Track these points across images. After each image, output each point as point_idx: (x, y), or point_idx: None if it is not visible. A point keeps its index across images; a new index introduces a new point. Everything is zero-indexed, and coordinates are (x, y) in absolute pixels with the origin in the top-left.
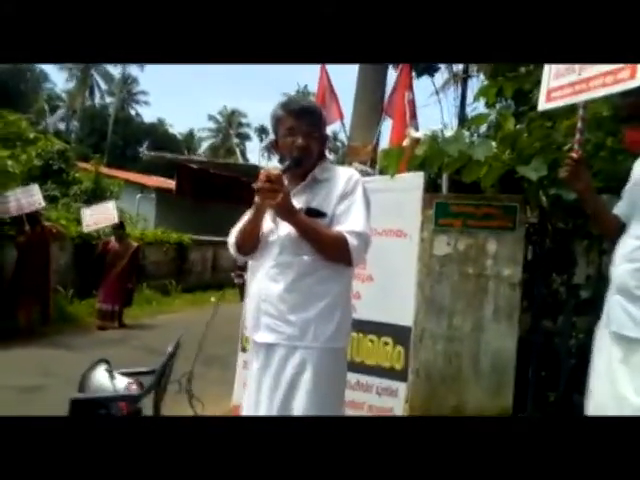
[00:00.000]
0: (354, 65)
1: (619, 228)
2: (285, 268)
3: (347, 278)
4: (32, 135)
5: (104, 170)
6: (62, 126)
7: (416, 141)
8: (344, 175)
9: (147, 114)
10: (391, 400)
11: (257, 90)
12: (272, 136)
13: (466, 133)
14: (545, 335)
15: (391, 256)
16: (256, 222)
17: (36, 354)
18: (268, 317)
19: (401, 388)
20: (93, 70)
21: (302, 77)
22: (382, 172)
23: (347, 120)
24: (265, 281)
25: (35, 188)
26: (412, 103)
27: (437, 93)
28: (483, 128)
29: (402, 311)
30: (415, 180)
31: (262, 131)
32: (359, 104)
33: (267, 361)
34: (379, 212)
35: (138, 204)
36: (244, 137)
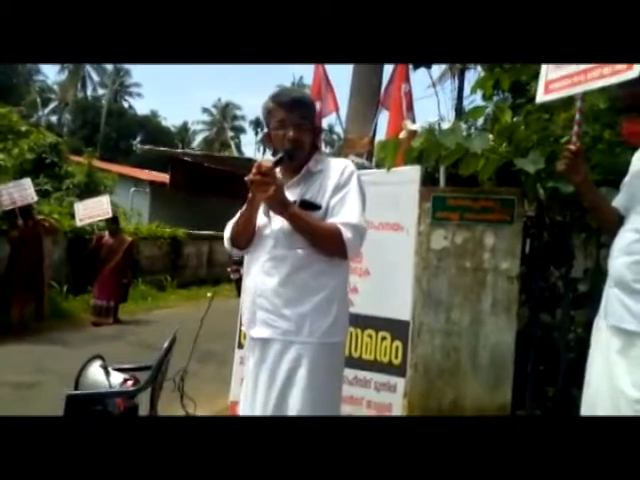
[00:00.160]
0: None
1: (617, 221)
2: (279, 262)
3: (343, 272)
4: (24, 128)
5: (97, 163)
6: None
7: (413, 133)
8: (338, 166)
9: (140, 106)
10: (389, 396)
11: (252, 82)
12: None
13: (463, 125)
14: (543, 329)
15: (388, 250)
16: (249, 216)
17: (30, 350)
18: (263, 312)
19: (399, 383)
20: None
21: (298, 69)
22: (379, 165)
23: (343, 112)
24: (260, 275)
25: (27, 182)
26: (409, 95)
27: (434, 85)
28: (480, 121)
29: (400, 305)
30: (412, 173)
31: (257, 124)
32: (355, 96)
33: (263, 357)
34: (376, 206)
35: (132, 198)
36: (239, 130)
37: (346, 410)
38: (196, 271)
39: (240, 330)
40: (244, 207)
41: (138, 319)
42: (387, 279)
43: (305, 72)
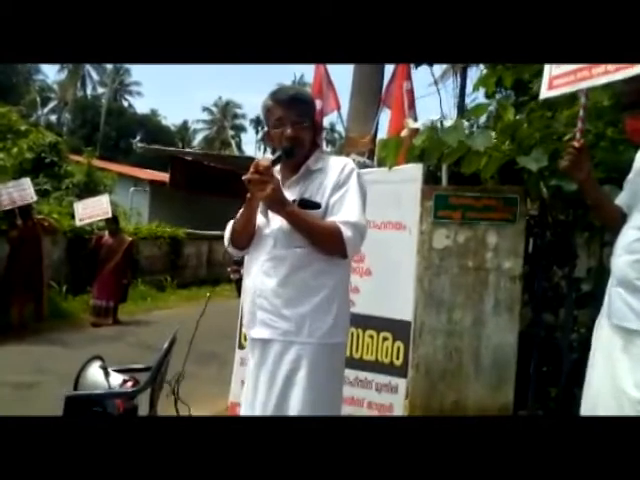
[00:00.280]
0: None
1: (621, 219)
2: (279, 261)
3: (343, 271)
4: (23, 127)
5: (97, 163)
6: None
7: (414, 131)
8: (338, 164)
9: (140, 105)
10: (391, 396)
11: (252, 80)
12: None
13: (465, 123)
14: (546, 329)
15: (390, 249)
16: (248, 215)
17: (30, 351)
18: (263, 312)
19: (401, 384)
20: None
21: (299, 67)
22: (380, 163)
23: (344, 111)
24: (259, 275)
25: (27, 181)
26: (410, 93)
27: (436, 83)
28: (483, 118)
29: (401, 305)
30: (414, 172)
31: (258, 122)
32: (356, 94)
33: (263, 357)
34: (378, 204)
35: (131, 197)
36: (239, 129)
37: (347, 411)
38: (196, 271)
39: (240, 331)
40: (243, 207)
41: (138, 319)
42: (389, 279)
43: (306, 70)
